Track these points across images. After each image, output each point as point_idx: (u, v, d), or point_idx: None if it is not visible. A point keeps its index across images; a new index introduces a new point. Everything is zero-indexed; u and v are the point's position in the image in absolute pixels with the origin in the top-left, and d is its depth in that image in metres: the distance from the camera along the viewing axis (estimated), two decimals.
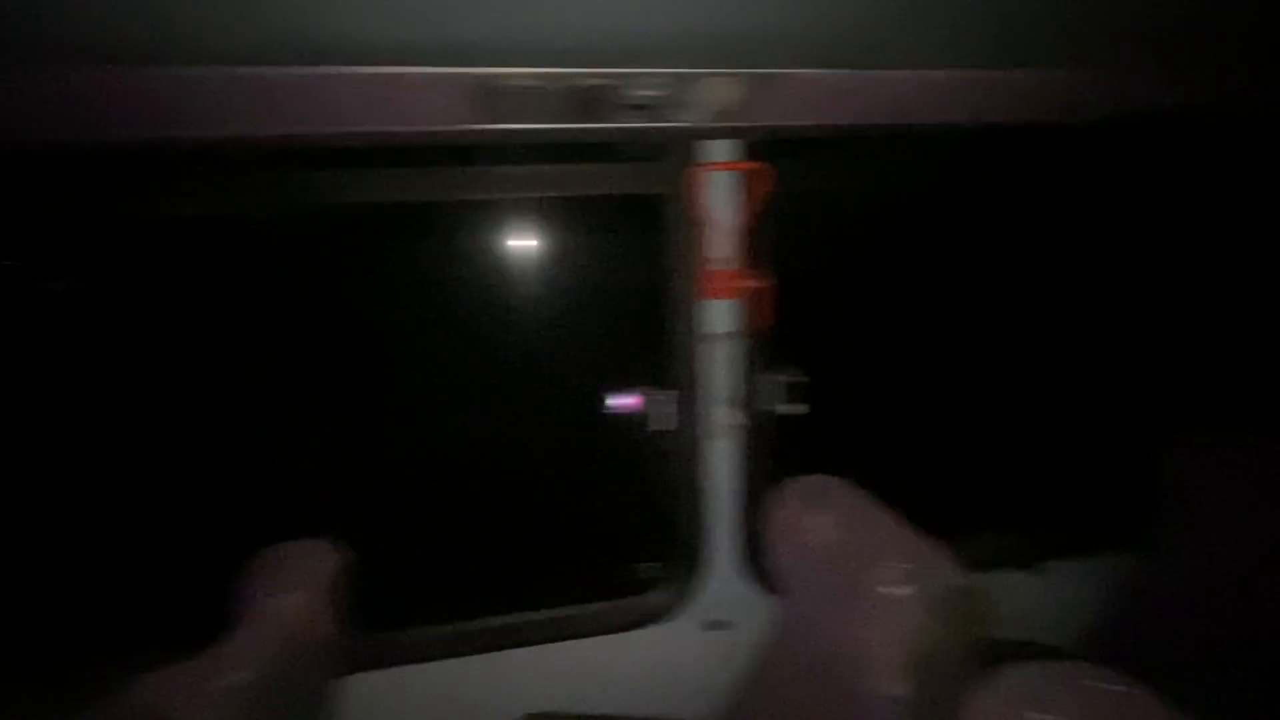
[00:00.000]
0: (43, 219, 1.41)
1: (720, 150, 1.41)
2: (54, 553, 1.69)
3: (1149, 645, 1.51)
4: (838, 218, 1.75)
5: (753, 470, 1.56)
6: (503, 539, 2.00)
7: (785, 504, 1.34)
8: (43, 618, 1.58)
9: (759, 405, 1.54)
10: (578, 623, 1.58)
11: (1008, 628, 1.69)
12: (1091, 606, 1.66)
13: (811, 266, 1.72)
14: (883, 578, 0.97)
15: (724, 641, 1.60)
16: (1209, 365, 1.92)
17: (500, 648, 1.54)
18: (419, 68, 0.92)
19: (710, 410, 1.53)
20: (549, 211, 1.93)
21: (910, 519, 1.13)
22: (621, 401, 1.68)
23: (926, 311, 1.86)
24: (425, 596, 1.74)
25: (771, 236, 1.49)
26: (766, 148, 1.40)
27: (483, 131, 1.13)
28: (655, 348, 1.59)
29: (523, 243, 1.99)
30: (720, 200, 1.44)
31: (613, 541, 1.85)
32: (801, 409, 1.54)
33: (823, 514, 1.22)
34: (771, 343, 1.53)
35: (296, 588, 1.16)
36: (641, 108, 1.04)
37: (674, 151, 1.41)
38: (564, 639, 1.56)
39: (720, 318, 1.49)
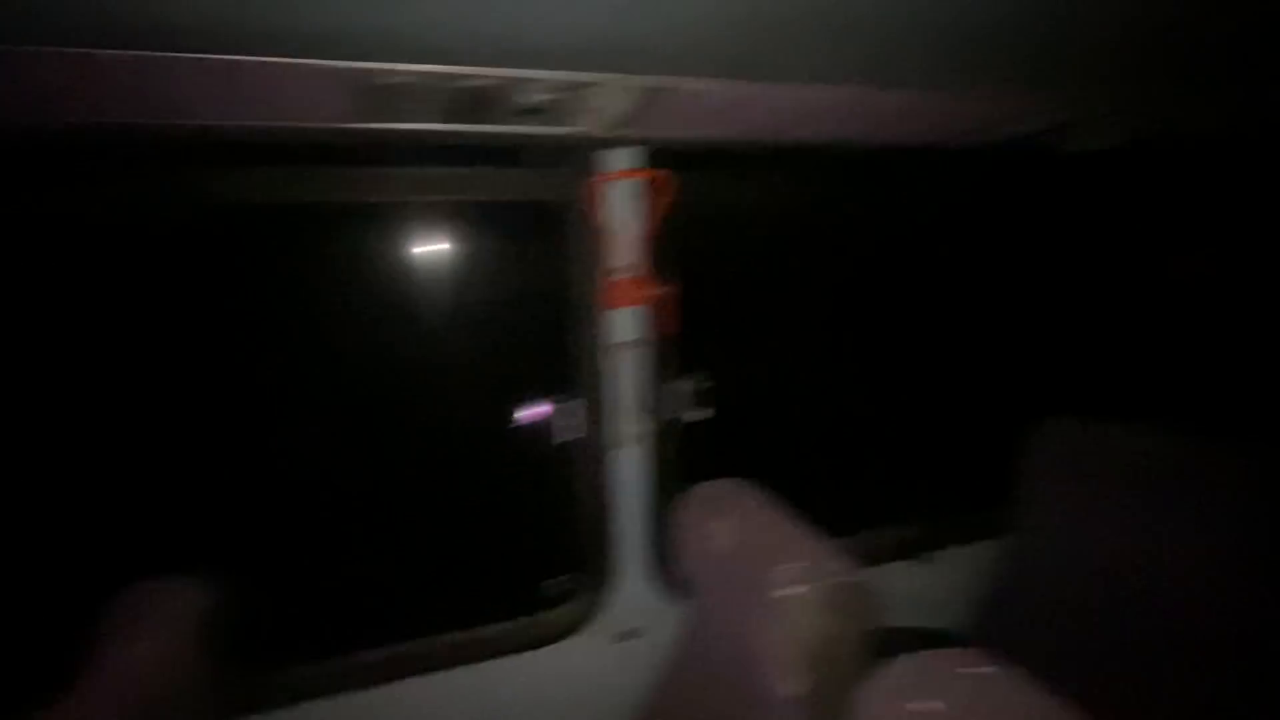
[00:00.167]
0: None
1: (621, 158, 1.41)
2: None
3: (1022, 623, 1.64)
4: (739, 226, 1.80)
5: (660, 477, 1.57)
6: (403, 561, 1.89)
7: (691, 510, 1.35)
8: None
9: (666, 412, 1.55)
10: (486, 644, 1.52)
11: (901, 616, 1.79)
12: (973, 589, 1.79)
13: (715, 274, 1.76)
14: (779, 579, 0.99)
15: (636, 651, 1.59)
16: (1067, 363, 2.14)
17: (404, 676, 1.45)
18: (292, 59, 0.85)
19: (617, 419, 1.52)
20: (451, 217, 1.86)
21: (809, 518, 1.17)
22: (529, 412, 1.65)
23: (819, 318, 1.94)
24: (319, 628, 1.61)
25: (675, 244, 1.51)
26: (669, 156, 1.42)
27: (364, 131, 1.06)
28: (561, 357, 1.56)
29: (425, 249, 1.90)
30: (622, 208, 1.44)
31: (520, 557, 1.80)
32: (708, 414, 1.56)
33: (726, 518, 1.24)
34: (677, 350, 1.55)
35: (155, 634, 1.03)
36: (534, 112, 1.01)
37: (573, 158, 1.40)
38: (472, 662, 1.49)
39: (625, 326, 1.49)
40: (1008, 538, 1.78)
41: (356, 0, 0.71)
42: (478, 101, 0.95)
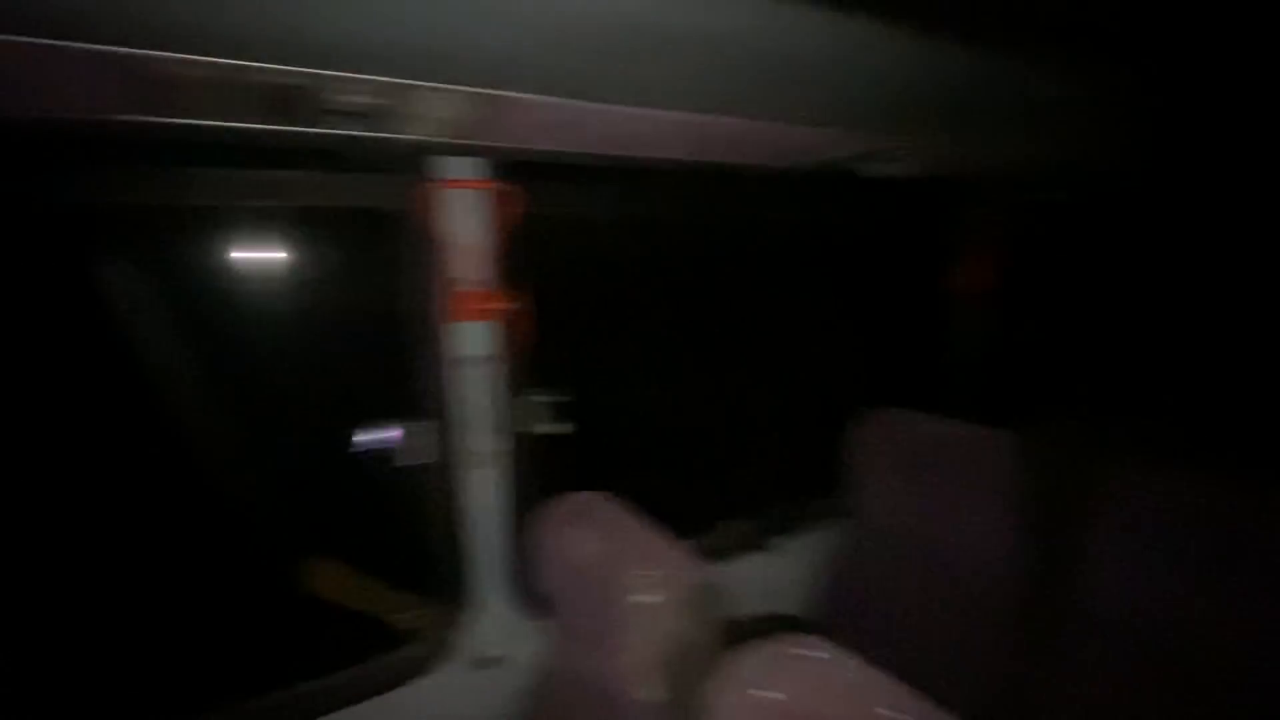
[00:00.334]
0: None
1: (462, 166, 1.36)
2: None
3: (855, 603, 1.82)
4: (592, 239, 1.82)
5: (518, 496, 1.53)
6: (239, 607, 1.67)
7: (549, 526, 1.33)
8: None
9: (520, 428, 1.52)
10: (338, 691, 1.38)
11: (754, 605, 1.91)
12: (815, 575, 1.95)
13: (568, 287, 1.76)
14: (634, 587, 1.01)
15: (501, 678, 1.53)
16: (884, 360, 2.42)
17: None
18: (73, 43, 0.71)
19: (469, 438, 1.46)
20: (280, 224, 1.68)
21: (665, 523, 1.20)
22: (372, 437, 1.53)
23: (667, 329, 2.02)
24: (143, 689, 1.36)
25: (527, 257, 1.49)
26: (518, 167, 1.39)
27: (162, 125, 0.92)
28: (408, 375, 1.47)
29: (250, 259, 1.70)
30: (467, 218, 1.39)
31: (369, 591, 1.66)
32: (565, 428, 1.55)
33: (583, 532, 1.23)
34: (532, 364, 1.52)
35: None
36: (357, 116, 0.94)
37: (411, 165, 1.33)
38: (325, 713, 1.34)
39: (474, 341, 1.43)
40: (842, 521, 1.96)
41: None
42: (287, 101, 0.87)
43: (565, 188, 1.53)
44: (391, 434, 1.45)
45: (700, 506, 1.97)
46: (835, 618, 1.84)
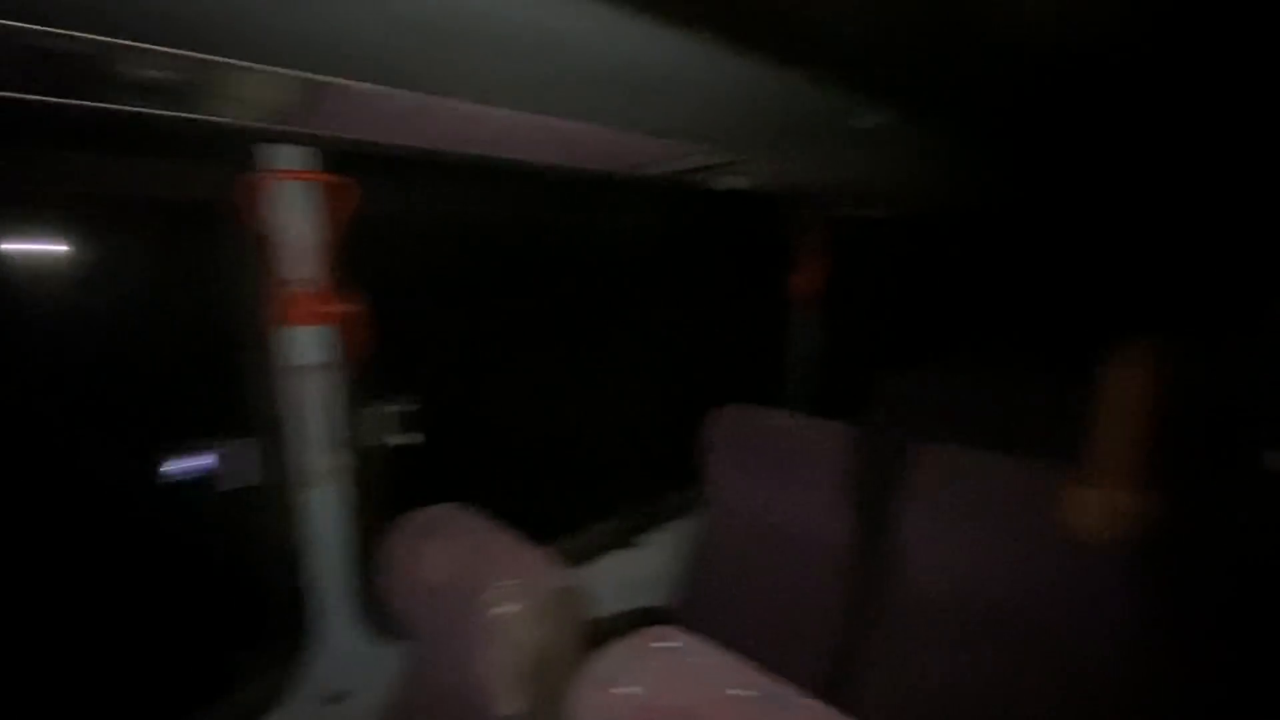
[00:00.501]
0: None
1: (292, 157, 1.24)
2: None
3: (712, 592, 1.91)
4: (440, 239, 1.73)
5: (363, 514, 1.42)
6: (41, 668, 1.37)
7: (400, 543, 1.25)
8: None
9: (363, 441, 1.41)
10: None
11: (622, 603, 1.94)
12: (677, 568, 2.02)
13: (417, 289, 1.66)
14: (492, 598, 0.98)
15: (349, 713, 1.41)
16: (737, 363, 2.58)
17: None
18: None
19: (305, 454, 1.33)
20: (72, 213, 1.40)
21: (527, 531, 1.17)
22: (186, 463, 1.34)
23: (524, 332, 1.99)
24: None
25: (369, 256, 1.38)
26: (355, 160, 1.29)
27: None
28: (231, 386, 1.30)
29: (31, 251, 1.40)
30: (296, 214, 1.26)
31: (196, 636, 1.45)
32: (413, 439, 1.46)
33: (438, 546, 1.17)
34: (379, 371, 1.41)
35: None
36: (155, 91, 0.82)
37: (231, 153, 1.18)
38: None
39: (307, 347, 1.30)
40: (698, 514, 2.06)
41: None
42: (66, 70, 0.73)
43: (407, 184, 1.44)
44: (204, 459, 1.27)
45: (564, 509, 1.96)
46: (694, 606, 1.93)
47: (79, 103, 0.86)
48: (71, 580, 1.41)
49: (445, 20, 0.70)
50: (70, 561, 1.43)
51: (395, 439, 1.45)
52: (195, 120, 0.93)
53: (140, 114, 0.91)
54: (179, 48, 0.70)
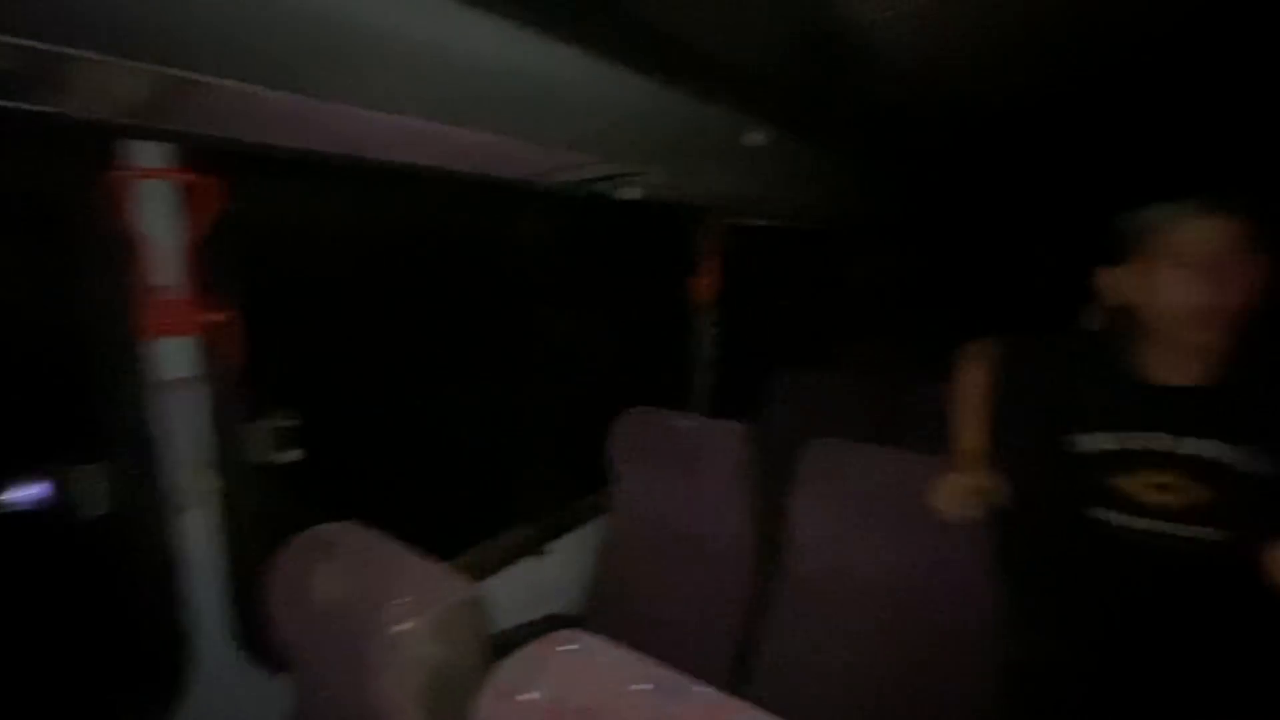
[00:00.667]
0: None
1: (154, 154, 1.13)
2: None
3: (616, 593, 1.95)
4: (322, 244, 1.62)
5: (242, 538, 1.32)
6: None
7: (286, 566, 1.17)
8: None
9: (240, 459, 1.31)
10: None
11: (532, 610, 1.93)
12: (587, 572, 2.03)
13: (298, 296, 1.55)
14: (388, 617, 0.95)
15: None
16: (642, 367, 2.64)
17: None
18: None
19: (174, 476, 1.22)
20: None
21: (427, 545, 1.14)
22: (23, 494, 1.19)
23: (418, 340, 1.93)
24: None
25: (244, 261, 1.29)
26: (229, 159, 1.20)
27: None
28: (83, 403, 1.17)
29: None
30: (161, 215, 1.16)
31: (59, 686, 1.28)
32: (296, 455, 1.37)
33: (328, 566, 1.11)
34: (250, 384, 1.31)
35: None
36: None
37: (86, 148, 1.07)
38: None
39: (173, 360, 1.20)
40: (606, 516, 2.08)
41: None
42: None
43: (290, 186, 1.36)
44: (38, 488, 1.13)
45: (470, 520, 1.91)
46: (600, 608, 1.95)
47: None
48: None
49: (327, 23, 0.68)
50: None
51: (274, 456, 1.36)
52: (47, 114, 0.83)
53: None
54: (28, 39, 0.63)
